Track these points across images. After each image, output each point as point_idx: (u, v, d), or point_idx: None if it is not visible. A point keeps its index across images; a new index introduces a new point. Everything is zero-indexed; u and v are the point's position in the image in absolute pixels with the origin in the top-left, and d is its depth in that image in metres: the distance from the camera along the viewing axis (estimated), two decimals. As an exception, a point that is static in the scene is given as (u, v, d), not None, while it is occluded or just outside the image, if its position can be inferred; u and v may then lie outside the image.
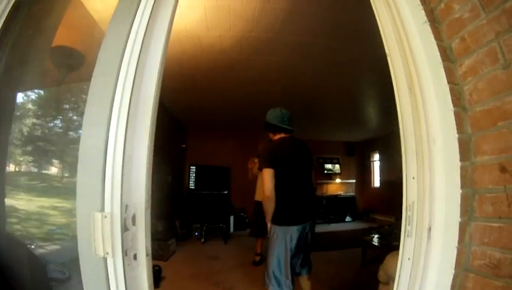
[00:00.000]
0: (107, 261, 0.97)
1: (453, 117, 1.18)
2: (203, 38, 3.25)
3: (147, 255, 1.04)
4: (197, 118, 7.33)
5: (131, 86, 1.06)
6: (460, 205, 1.15)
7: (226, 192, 8.10)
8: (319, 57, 3.74)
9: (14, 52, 1.64)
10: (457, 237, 1.15)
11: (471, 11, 1.17)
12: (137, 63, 1.08)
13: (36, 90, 2.35)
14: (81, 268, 0.99)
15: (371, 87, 5.28)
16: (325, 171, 10.54)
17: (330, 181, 10.61)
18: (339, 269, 4.49)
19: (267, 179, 2.47)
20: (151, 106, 1.11)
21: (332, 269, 4.41)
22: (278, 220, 2.53)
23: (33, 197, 2.35)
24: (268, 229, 2.56)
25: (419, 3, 1.33)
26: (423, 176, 1.19)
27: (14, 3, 1.61)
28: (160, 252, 4.80)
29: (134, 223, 1.02)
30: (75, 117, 2.61)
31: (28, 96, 2.30)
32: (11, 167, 2.30)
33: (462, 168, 1.16)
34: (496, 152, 1.10)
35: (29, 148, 2.45)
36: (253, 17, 2.87)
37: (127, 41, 1.09)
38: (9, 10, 1.59)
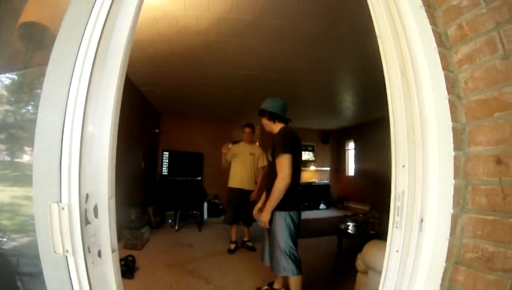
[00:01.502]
0: (68, 261, 0.87)
1: (448, 105, 1.15)
2: (180, 18, 3.08)
3: (112, 251, 0.94)
4: (170, 102, 7.13)
5: (93, 56, 0.94)
6: (453, 196, 1.13)
7: (200, 178, 8.02)
8: (299, 42, 3.65)
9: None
10: (449, 229, 1.13)
11: None
12: (102, 29, 0.97)
13: (6, 75, 2.17)
14: (43, 267, 0.90)
15: (349, 76, 5.29)
16: (300, 159, 10.59)
17: (304, 168, 10.65)
18: (316, 257, 4.52)
19: (287, 164, 2.55)
20: (116, 80, 0.99)
21: (309, 257, 4.42)
22: (290, 205, 2.67)
23: (5, 187, 2.20)
24: (268, 215, 2.62)
25: None
26: (415, 165, 1.15)
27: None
28: (133, 241, 4.68)
29: (96, 215, 0.92)
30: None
31: None
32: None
33: (455, 158, 1.14)
34: (491, 143, 1.08)
35: (1, 136, 2.29)
36: (234, -3, 2.74)
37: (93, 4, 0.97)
38: None
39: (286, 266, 2.65)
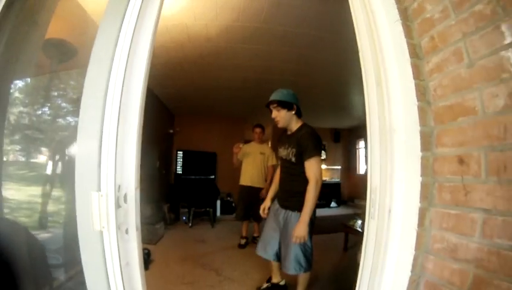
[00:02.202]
0: (103, 235, 1.09)
1: (417, 111, 1.27)
2: (190, 26, 3.28)
3: (136, 229, 1.16)
4: (184, 104, 7.35)
5: (122, 76, 1.15)
6: (420, 191, 1.25)
7: (213, 177, 8.22)
8: (304, 46, 3.79)
9: (8, 46, 1.69)
10: (417, 220, 1.24)
11: (442, 12, 1.24)
12: (128, 55, 1.17)
13: (26, 80, 2.35)
14: (80, 242, 1.11)
15: (357, 75, 5.36)
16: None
17: None
18: (323, 252, 4.61)
19: (319, 167, 2.51)
20: (140, 96, 1.21)
21: (316, 253, 4.53)
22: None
23: (22, 186, 2.34)
24: (306, 228, 2.46)
25: (394, 2, 1.39)
26: (386, 164, 1.29)
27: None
28: (149, 236, 4.88)
29: (125, 201, 1.14)
30: (63, 104, 2.59)
31: (16, 86, 2.30)
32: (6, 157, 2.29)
33: (423, 158, 1.26)
34: (455, 145, 1.18)
35: (17, 137, 2.42)
36: (239, 7, 2.92)
37: (119, 33, 1.19)
38: (3, 6, 1.64)
39: (302, 265, 2.63)
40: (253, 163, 4.95)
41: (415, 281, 1.29)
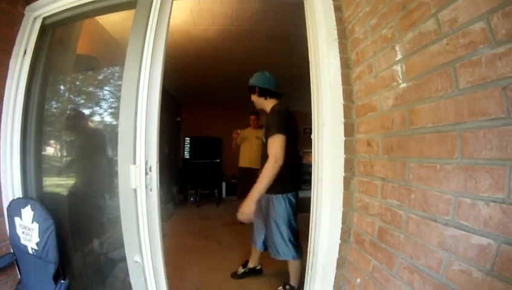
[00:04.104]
0: (137, 191, 1.66)
1: (342, 108, 1.72)
2: (191, 31, 3.76)
3: (156, 189, 1.72)
4: (190, 93, 7.74)
5: (147, 84, 1.76)
6: (345, 164, 1.70)
7: (218, 160, 8.55)
8: (290, 42, 4.13)
9: (46, 64, 2.23)
10: (343, 185, 1.70)
11: (363, 33, 1.62)
12: (150, 64, 1.77)
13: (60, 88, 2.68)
14: (120, 197, 1.69)
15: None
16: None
17: (307, 150, 10.98)
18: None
19: (279, 145, 2.32)
20: (157, 95, 1.81)
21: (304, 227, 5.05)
22: (288, 187, 2.52)
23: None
24: (253, 206, 2.32)
25: (335, 24, 1.81)
26: (319, 147, 1.79)
27: (40, 27, 2.20)
28: (160, 214, 5.42)
29: (150, 170, 1.70)
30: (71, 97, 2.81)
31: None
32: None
33: (346, 141, 1.71)
34: (365, 132, 1.62)
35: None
36: (231, 14, 3.37)
37: (143, 49, 1.76)
38: (37, 33, 2.19)
39: (286, 251, 2.50)
40: (250, 147, 5.44)
41: (347, 232, 1.75)
